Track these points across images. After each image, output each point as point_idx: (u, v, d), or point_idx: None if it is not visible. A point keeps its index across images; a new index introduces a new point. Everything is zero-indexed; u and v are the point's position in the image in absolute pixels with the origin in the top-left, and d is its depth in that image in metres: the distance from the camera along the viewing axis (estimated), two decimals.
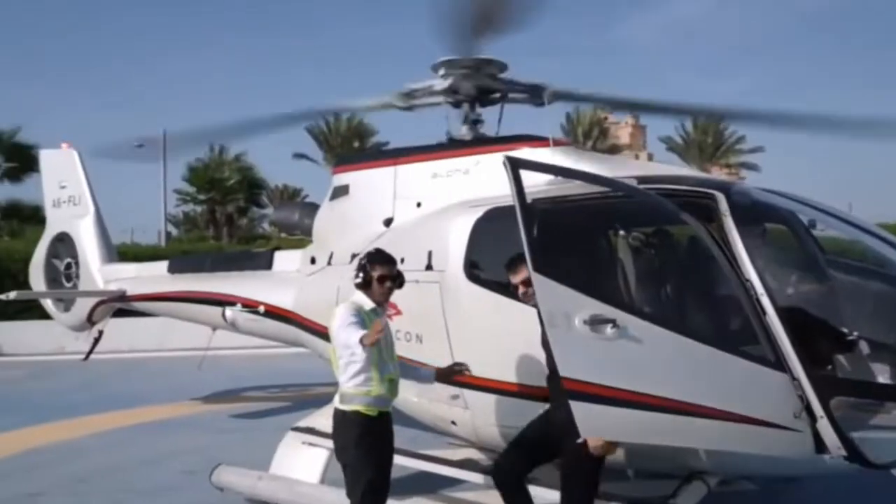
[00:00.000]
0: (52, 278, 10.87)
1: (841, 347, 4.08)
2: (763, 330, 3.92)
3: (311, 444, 6.01)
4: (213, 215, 37.53)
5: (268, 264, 8.10)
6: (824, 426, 3.84)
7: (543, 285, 3.62)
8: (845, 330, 4.08)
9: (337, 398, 4.39)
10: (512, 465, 4.48)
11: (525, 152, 5.56)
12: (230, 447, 7.73)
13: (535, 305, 3.78)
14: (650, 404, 3.63)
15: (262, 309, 7.72)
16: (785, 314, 3.95)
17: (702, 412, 3.71)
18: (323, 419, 5.87)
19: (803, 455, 3.89)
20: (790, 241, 4.77)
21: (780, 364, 3.87)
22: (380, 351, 4.22)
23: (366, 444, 4.22)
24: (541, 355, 4.22)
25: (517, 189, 3.86)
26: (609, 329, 3.63)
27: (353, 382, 4.24)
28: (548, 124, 6.47)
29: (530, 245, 3.71)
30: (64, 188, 11.20)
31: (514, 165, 3.95)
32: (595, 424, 3.64)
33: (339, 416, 4.34)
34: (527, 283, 4.03)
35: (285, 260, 7.95)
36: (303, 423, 6.26)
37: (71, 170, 11.15)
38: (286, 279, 7.63)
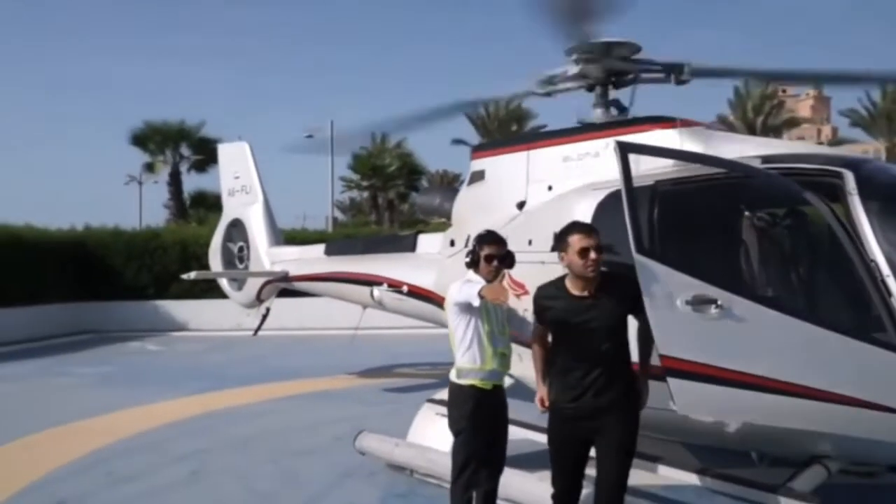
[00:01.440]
0: (228, 261, 11.99)
1: None
2: (888, 312, 3.78)
3: (443, 416, 6.36)
4: (375, 201, 39.20)
5: (412, 247, 8.56)
6: None
7: (645, 267, 3.71)
8: None
9: (453, 373, 4.68)
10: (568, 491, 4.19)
11: (654, 134, 5.57)
12: (377, 417, 8.28)
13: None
14: (752, 384, 3.63)
15: (405, 289, 8.21)
16: None
17: (807, 393, 3.66)
18: None
19: None
20: None
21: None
22: (491, 326, 4.47)
23: (478, 417, 4.49)
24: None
25: (624, 172, 3.95)
26: (713, 309, 3.66)
27: (466, 357, 4.51)
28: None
29: (634, 227, 3.80)
30: (237, 178, 12.29)
31: (623, 149, 4.04)
32: (692, 401, 3.69)
33: (455, 389, 4.63)
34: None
35: (428, 243, 8.36)
36: (437, 397, 6.63)
37: (243, 161, 12.21)
38: (428, 261, 8.04)
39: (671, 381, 3.67)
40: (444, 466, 5.91)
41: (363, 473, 6.48)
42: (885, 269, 3.85)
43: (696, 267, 3.79)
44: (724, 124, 44.24)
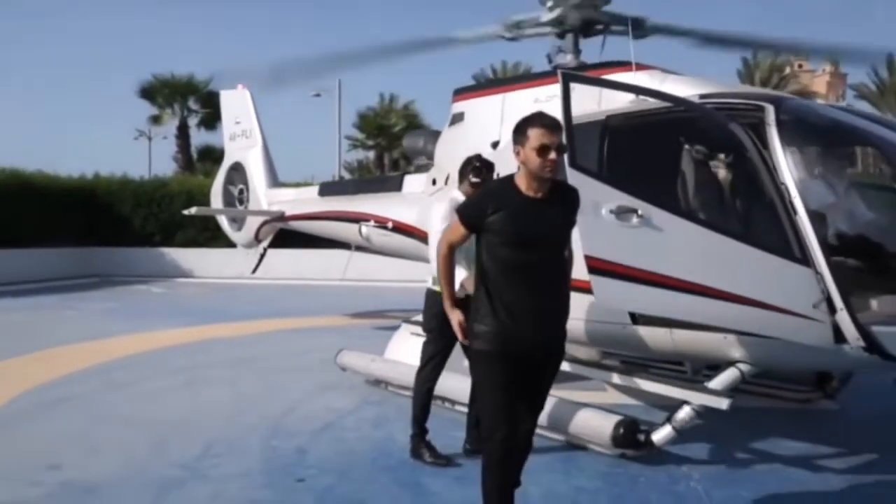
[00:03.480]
0: (228, 202, 12.55)
1: (865, 251, 4.35)
2: (792, 228, 4.28)
3: (416, 335, 6.93)
4: (381, 161, 39.56)
5: (398, 187, 9.06)
6: (843, 318, 4.17)
7: (576, 178, 4.21)
8: (870, 236, 4.35)
9: (429, 280, 5.20)
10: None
11: (614, 76, 6.03)
12: (363, 347, 8.85)
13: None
14: (667, 284, 4.16)
15: (390, 224, 8.74)
16: (814, 216, 4.29)
17: (719, 295, 4.18)
18: None
19: (823, 344, 4.24)
20: (834, 155, 4.98)
21: (805, 259, 4.22)
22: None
23: (446, 318, 5.01)
24: None
25: (564, 98, 4.44)
26: (634, 218, 4.18)
27: None
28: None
29: (570, 145, 4.29)
30: (238, 123, 12.78)
31: (566, 79, 4.52)
32: (611, 296, 4.23)
33: (430, 294, 5.13)
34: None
35: (413, 182, 8.86)
36: (413, 318, 7.19)
37: (244, 107, 12.69)
38: (411, 199, 8.55)
39: (594, 278, 4.18)
40: (411, 377, 6.52)
41: (342, 387, 7.06)
42: (792, 191, 4.34)
43: (622, 181, 4.29)
44: None
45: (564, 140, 3.55)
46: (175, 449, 5.14)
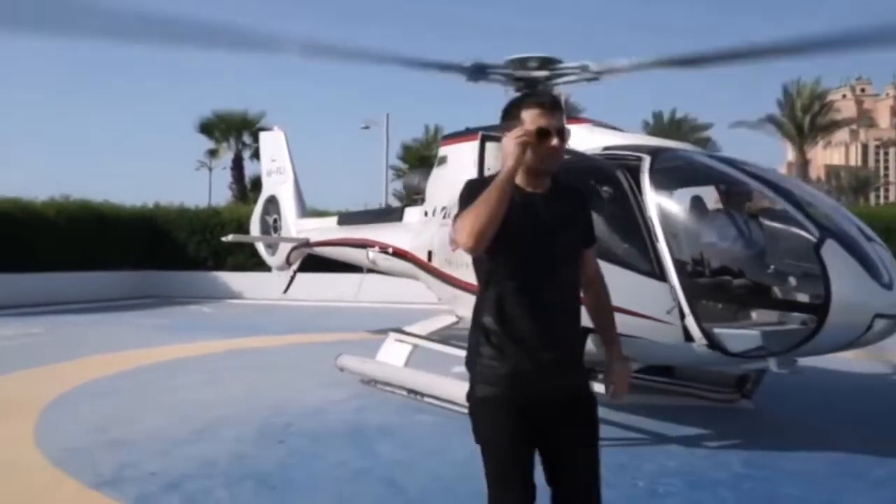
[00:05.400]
0: (265, 230, 14.22)
1: (710, 270, 5.61)
2: (654, 252, 5.56)
3: (400, 341, 8.34)
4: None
5: (400, 217, 10.53)
6: (690, 322, 5.42)
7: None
8: (713, 258, 5.61)
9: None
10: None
11: None
12: (366, 354, 10.29)
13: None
14: None
15: (391, 250, 10.20)
16: (670, 242, 5.57)
17: None
18: (415, 328, 8.28)
19: (675, 342, 5.50)
20: (692, 193, 6.23)
21: (662, 276, 5.49)
22: None
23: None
24: None
25: (480, 153, 5.83)
26: None
27: None
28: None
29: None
30: (274, 161, 14.51)
31: (483, 139, 5.92)
32: None
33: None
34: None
35: (411, 214, 10.32)
36: (402, 328, 8.59)
37: (279, 147, 14.42)
38: (408, 228, 9.99)
39: None
40: (393, 375, 7.94)
41: (341, 384, 8.48)
42: (655, 222, 5.62)
43: None
44: (772, 123, 44.86)
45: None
46: (192, 421, 6.66)
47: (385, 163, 37.99)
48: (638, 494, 4.86)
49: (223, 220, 24.08)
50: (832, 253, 5.07)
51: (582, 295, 2.87)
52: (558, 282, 2.70)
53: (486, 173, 5.84)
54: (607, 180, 5.99)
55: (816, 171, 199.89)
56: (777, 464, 5.56)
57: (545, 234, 2.68)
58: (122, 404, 7.51)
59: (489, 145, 5.85)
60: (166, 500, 4.69)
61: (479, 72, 8.20)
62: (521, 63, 7.99)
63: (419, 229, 9.55)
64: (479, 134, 5.91)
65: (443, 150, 9.29)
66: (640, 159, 5.94)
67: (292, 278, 13.86)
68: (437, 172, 9.36)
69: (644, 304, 5.49)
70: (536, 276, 2.66)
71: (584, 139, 6.88)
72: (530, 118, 2.67)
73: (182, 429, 6.42)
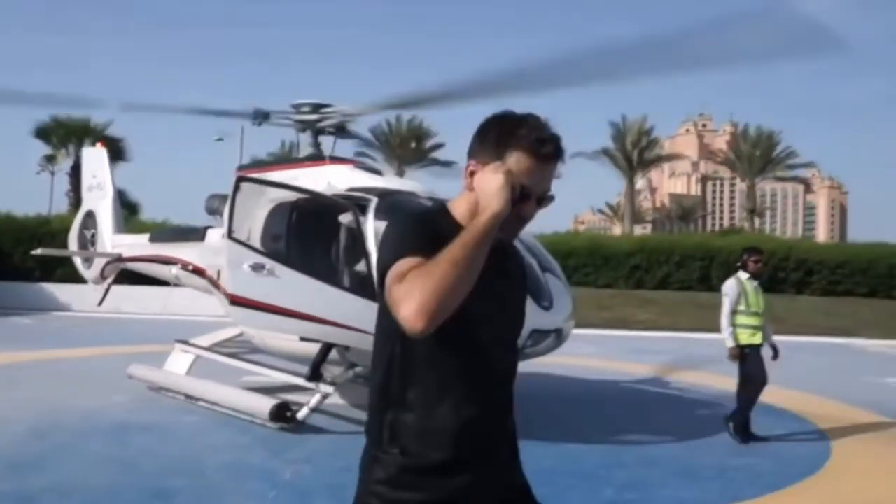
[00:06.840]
0: (82, 244, 14.62)
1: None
2: (367, 276, 6.89)
3: (184, 351, 9.31)
4: None
5: (202, 237, 11.44)
6: None
7: (230, 245, 6.73)
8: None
9: None
10: None
11: (327, 168, 8.64)
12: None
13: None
14: (282, 312, 6.71)
15: (190, 268, 11.09)
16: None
17: (318, 320, 6.75)
18: (201, 339, 9.28)
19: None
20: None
21: (371, 295, 6.82)
22: None
23: None
24: None
25: (232, 193, 6.98)
26: (263, 271, 6.73)
27: None
28: None
29: (229, 221, 6.80)
30: (95, 177, 14.96)
31: (238, 179, 7.08)
32: (245, 320, 6.74)
33: None
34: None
35: (213, 235, 11.26)
36: (183, 339, 9.54)
37: (101, 164, 14.89)
38: (205, 247, 10.93)
39: (234, 308, 6.70)
40: (174, 382, 8.89)
41: (131, 390, 9.30)
42: (372, 254, 6.96)
43: (259, 247, 6.85)
44: (607, 156, 48.75)
45: (227, 217, 5.95)
46: None
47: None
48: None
49: (53, 229, 23.74)
50: None
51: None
52: (505, 355, 2.20)
53: (237, 221, 7.02)
54: (337, 216, 7.31)
55: (661, 197, 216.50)
56: None
57: (500, 309, 2.14)
58: None
59: (245, 187, 7.03)
60: None
61: (262, 116, 9.46)
62: (298, 108, 9.26)
63: (216, 249, 10.53)
64: (236, 175, 7.06)
65: (237, 179, 10.33)
66: (369, 200, 7.28)
67: (107, 291, 14.32)
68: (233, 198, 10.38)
69: (356, 319, 6.76)
70: (484, 344, 2.09)
71: (344, 178, 8.16)
72: (519, 166, 1.97)
73: None
